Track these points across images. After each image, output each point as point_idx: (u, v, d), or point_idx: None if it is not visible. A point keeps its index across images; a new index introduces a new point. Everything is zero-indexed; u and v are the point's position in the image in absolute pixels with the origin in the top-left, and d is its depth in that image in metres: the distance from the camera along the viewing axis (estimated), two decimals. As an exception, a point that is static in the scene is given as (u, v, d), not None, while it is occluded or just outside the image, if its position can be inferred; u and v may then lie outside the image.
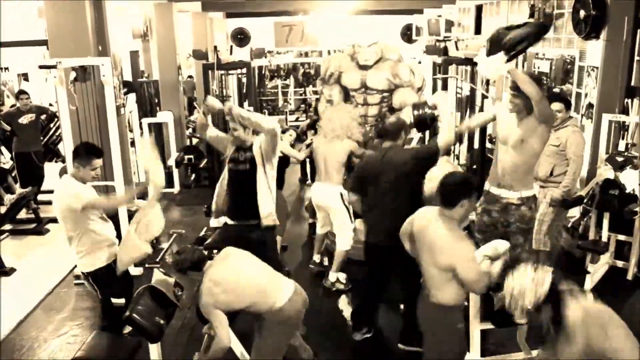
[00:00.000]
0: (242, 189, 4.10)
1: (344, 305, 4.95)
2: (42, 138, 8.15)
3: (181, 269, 3.30)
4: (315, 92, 14.31)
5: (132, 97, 8.59)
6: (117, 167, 4.91)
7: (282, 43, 12.65)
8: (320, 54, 14.25)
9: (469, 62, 7.43)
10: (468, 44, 9.50)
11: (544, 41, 7.22)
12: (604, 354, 2.36)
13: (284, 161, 5.57)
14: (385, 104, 5.32)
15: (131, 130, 8.17)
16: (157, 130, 8.89)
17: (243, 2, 11.62)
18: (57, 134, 8.48)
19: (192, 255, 3.36)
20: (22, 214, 7.06)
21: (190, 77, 12.55)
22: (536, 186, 4.90)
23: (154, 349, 3.63)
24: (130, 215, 4.96)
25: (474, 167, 6.78)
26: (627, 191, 5.22)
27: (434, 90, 7.96)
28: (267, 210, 4.07)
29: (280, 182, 5.17)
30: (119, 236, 4.13)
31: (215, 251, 4.03)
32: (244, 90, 10.65)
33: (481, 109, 6.60)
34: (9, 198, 6.65)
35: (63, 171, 6.82)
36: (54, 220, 4.22)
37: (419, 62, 9.81)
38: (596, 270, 4.91)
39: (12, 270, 5.74)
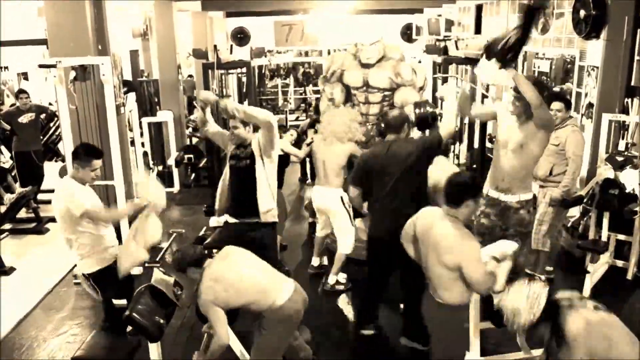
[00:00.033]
0: (243, 186, 4.10)
1: (344, 305, 4.95)
2: (41, 137, 8.15)
3: (181, 266, 3.30)
4: (316, 92, 14.32)
5: (132, 96, 8.60)
6: (117, 167, 4.91)
7: (282, 42, 12.64)
8: (320, 54, 14.24)
9: (469, 61, 7.42)
10: (468, 43, 9.49)
11: (544, 41, 7.23)
12: None
13: (284, 160, 5.56)
14: (387, 102, 5.32)
15: (131, 130, 8.16)
16: (157, 129, 8.89)
17: (243, 2, 11.61)
18: (57, 133, 8.48)
19: (192, 252, 3.37)
20: (22, 213, 7.06)
21: (190, 76, 12.55)
22: (535, 186, 4.90)
23: (154, 348, 3.63)
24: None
25: (474, 166, 6.77)
26: (627, 191, 5.21)
27: (434, 89, 7.95)
28: (267, 206, 4.06)
29: (279, 182, 5.18)
30: (119, 236, 4.13)
31: (215, 250, 4.04)
32: (244, 90, 10.65)
33: (481, 109, 6.62)
34: (8, 197, 6.65)
35: (63, 170, 6.82)
36: (53, 219, 4.23)
37: (419, 62, 9.80)
38: (596, 270, 4.91)
39: (12, 269, 5.74)
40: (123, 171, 5.10)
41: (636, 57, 5.71)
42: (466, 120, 7.78)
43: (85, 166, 3.77)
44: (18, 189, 7.12)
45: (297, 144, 6.16)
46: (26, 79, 11.60)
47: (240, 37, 11.40)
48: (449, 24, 10.01)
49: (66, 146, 4.88)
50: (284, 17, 12.85)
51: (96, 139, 5.27)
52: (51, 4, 5.41)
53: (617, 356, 2.34)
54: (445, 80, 7.84)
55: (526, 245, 4.16)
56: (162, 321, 3.31)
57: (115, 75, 5.58)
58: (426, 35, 10.59)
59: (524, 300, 2.54)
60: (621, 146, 5.86)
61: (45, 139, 8.41)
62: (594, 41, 5.98)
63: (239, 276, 3.32)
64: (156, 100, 10.01)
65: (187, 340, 4.35)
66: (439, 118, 5.00)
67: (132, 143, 7.90)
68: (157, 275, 3.48)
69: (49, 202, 4.77)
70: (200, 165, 8.60)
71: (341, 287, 5.15)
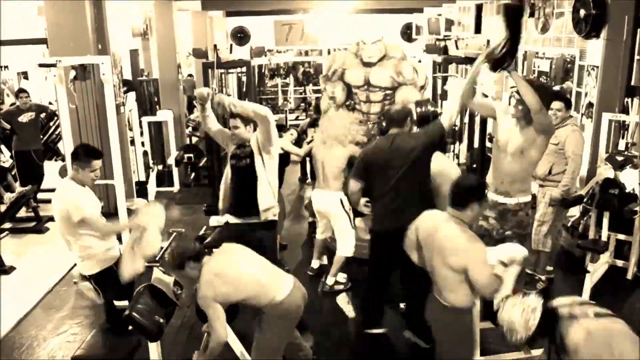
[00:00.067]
0: (243, 185, 4.09)
1: (344, 304, 4.95)
2: (41, 136, 8.15)
3: (180, 260, 3.27)
4: (315, 91, 14.31)
5: (131, 95, 8.59)
6: (116, 166, 4.91)
7: (282, 42, 12.62)
8: (320, 53, 14.23)
9: (469, 61, 7.42)
10: (468, 43, 9.50)
11: (544, 40, 7.23)
12: None
13: (284, 160, 5.56)
14: (388, 101, 5.31)
15: (131, 129, 8.17)
16: (157, 128, 8.89)
17: (243, 1, 11.62)
18: (56, 132, 8.49)
19: (191, 246, 3.36)
20: (22, 213, 7.05)
21: (190, 75, 12.55)
22: (535, 185, 4.91)
23: (154, 348, 3.63)
24: (130, 214, 4.96)
25: (474, 166, 6.77)
26: (627, 190, 5.21)
27: (434, 89, 7.96)
28: (267, 203, 4.05)
29: (279, 181, 5.18)
30: (119, 237, 4.12)
31: (214, 250, 4.03)
32: (244, 89, 10.64)
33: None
34: (8, 196, 6.65)
35: (63, 170, 6.83)
36: (53, 218, 4.23)
37: (419, 61, 9.80)
38: (596, 270, 4.91)
39: (12, 268, 5.74)
40: (123, 170, 5.10)
41: (636, 57, 5.71)
42: (466, 120, 7.78)
43: (85, 167, 3.75)
44: (18, 188, 7.12)
45: (298, 143, 6.17)
46: (26, 78, 11.60)
47: (240, 36, 11.39)
48: (449, 23, 10.01)
49: (66, 145, 4.88)
50: (284, 17, 12.84)
51: (96, 138, 5.28)
52: (51, 4, 5.42)
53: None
54: (445, 79, 7.84)
55: (525, 246, 4.16)
56: (162, 320, 3.31)
57: (115, 74, 5.59)
58: (426, 35, 10.58)
59: (519, 314, 2.53)
60: (621, 146, 5.86)
61: (45, 138, 8.42)
62: (594, 41, 5.98)
63: (238, 271, 3.32)
64: (156, 99, 10.02)
65: (187, 339, 4.35)
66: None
67: (132, 142, 7.91)
68: (157, 274, 3.48)
69: (49, 201, 4.76)
70: (200, 164, 8.60)
71: (341, 287, 5.15)
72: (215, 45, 7.80)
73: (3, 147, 8.39)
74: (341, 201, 4.95)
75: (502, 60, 3.59)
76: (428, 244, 3.13)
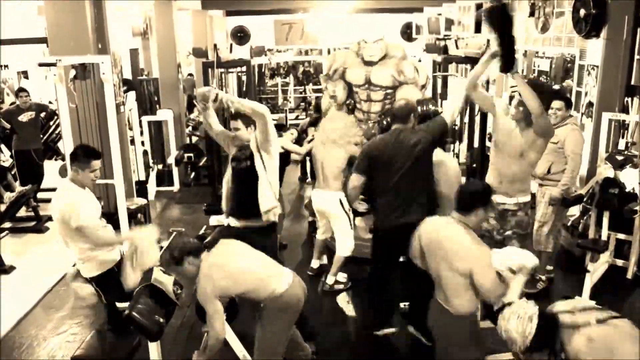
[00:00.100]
0: (244, 187, 4.06)
1: (344, 304, 4.95)
2: (41, 136, 8.15)
3: (180, 255, 3.26)
4: (315, 91, 14.30)
5: (131, 95, 8.59)
6: (116, 166, 4.90)
7: (282, 41, 12.59)
8: (320, 52, 14.21)
9: (469, 60, 7.42)
10: (468, 42, 9.48)
11: (544, 40, 7.22)
12: None
13: (284, 159, 5.56)
14: (389, 100, 5.31)
15: (131, 129, 8.16)
16: (157, 128, 8.89)
17: (243, 0, 11.60)
18: (56, 131, 8.49)
19: (190, 241, 3.37)
20: (22, 212, 7.05)
21: (190, 75, 12.54)
22: (534, 184, 4.91)
23: (154, 348, 3.64)
24: (130, 214, 4.96)
25: (474, 165, 6.77)
26: (626, 190, 5.21)
27: (434, 88, 7.95)
28: (268, 204, 4.01)
29: (279, 180, 5.18)
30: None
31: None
32: (244, 89, 10.64)
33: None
34: (8, 196, 6.65)
35: (63, 169, 6.82)
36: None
37: (419, 60, 9.79)
38: (596, 269, 4.91)
39: (12, 268, 5.74)
40: (123, 170, 5.09)
41: (636, 56, 5.71)
42: (466, 120, 7.78)
43: (84, 167, 3.73)
44: (18, 187, 7.12)
45: (298, 142, 6.17)
46: (26, 77, 11.59)
47: (240, 35, 11.37)
48: (449, 23, 9.98)
49: (66, 145, 4.87)
50: (284, 16, 12.82)
51: (96, 138, 5.27)
52: (51, 3, 5.41)
53: None
54: (445, 79, 7.84)
55: (526, 246, 4.16)
56: (161, 320, 3.31)
57: (115, 74, 5.58)
58: (426, 34, 10.56)
59: (515, 323, 2.52)
60: (621, 145, 5.86)
61: (45, 137, 8.42)
62: (594, 40, 5.98)
63: (237, 264, 3.34)
64: (156, 99, 10.02)
65: (187, 339, 4.36)
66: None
67: (132, 142, 7.90)
68: (157, 274, 3.48)
69: (48, 200, 4.77)
70: (200, 164, 8.60)
71: (341, 287, 5.15)
72: (215, 45, 7.79)
73: (3, 147, 8.39)
74: (341, 201, 4.95)
75: (511, 62, 3.60)
76: (432, 250, 3.12)
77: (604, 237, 5.14)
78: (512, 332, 2.52)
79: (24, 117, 7.45)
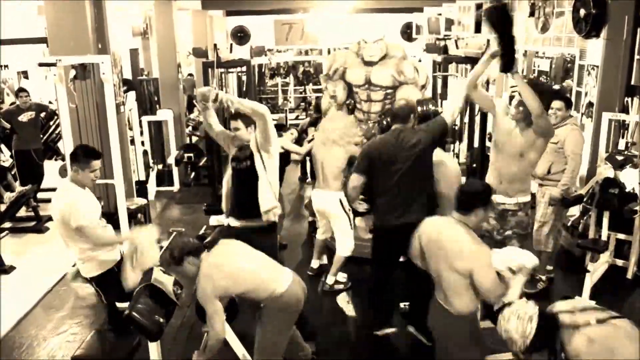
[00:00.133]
0: (244, 187, 4.06)
1: (344, 304, 4.95)
2: (41, 136, 8.15)
3: (180, 254, 3.26)
4: (315, 91, 14.30)
5: (131, 95, 8.59)
6: (116, 166, 4.90)
7: (282, 41, 12.58)
8: (320, 52, 14.21)
9: (469, 60, 7.42)
10: (468, 42, 9.48)
11: (544, 40, 7.22)
12: None
13: (284, 159, 5.56)
14: (389, 100, 5.32)
15: (131, 129, 8.16)
16: (157, 128, 8.89)
17: (243, 0, 11.61)
18: (56, 131, 8.48)
19: (190, 241, 3.37)
20: (22, 212, 7.05)
21: (190, 75, 12.54)
22: (534, 184, 4.91)
23: (154, 347, 3.64)
24: (130, 214, 4.96)
25: (474, 165, 6.76)
26: (627, 190, 5.21)
27: (434, 88, 7.95)
28: (268, 204, 4.00)
29: (279, 180, 5.18)
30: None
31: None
32: (244, 89, 10.64)
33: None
34: (8, 196, 6.65)
35: (63, 169, 6.82)
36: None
37: (419, 60, 9.79)
38: (596, 269, 4.91)
39: (12, 268, 5.74)
40: (123, 170, 5.09)
41: (636, 56, 5.71)
42: (466, 120, 7.78)
43: (84, 168, 3.73)
44: (18, 187, 7.12)
45: (298, 142, 6.17)
46: (26, 77, 11.59)
47: (240, 35, 11.36)
48: (449, 23, 9.99)
49: (66, 145, 4.87)
50: (284, 16, 12.82)
51: (96, 138, 5.27)
52: (51, 3, 5.41)
53: None
54: (445, 79, 7.84)
55: (525, 247, 4.16)
56: (161, 320, 3.31)
57: (115, 74, 5.58)
58: (426, 34, 10.57)
59: (515, 323, 2.51)
60: (621, 145, 5.86)
61: (45, 137, 8.41)
62: (594, 40, 5.97)
63: (237, 264, 3.34)
64: (156, 99, 10.01)
65: (186, 339, 4.36)
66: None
67: (132, 142, 7.90)
68: (157, 274, 3.48)
69: (49, 200, 4.77)
70: (200, 164, 8.60)
71: (341, 286, 5.15)
72: (215, 45, 7.79)
73: (3, 147, 8.39)
74: (341, 201, 4.95)
75: (511, 62, 3.61)
76: (433, 250, 3.11)
77: (604, 237, 5.14)
78: (512, 332, 2.51)
79: (24, 117, 7.45)
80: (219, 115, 4.42)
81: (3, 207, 6.61)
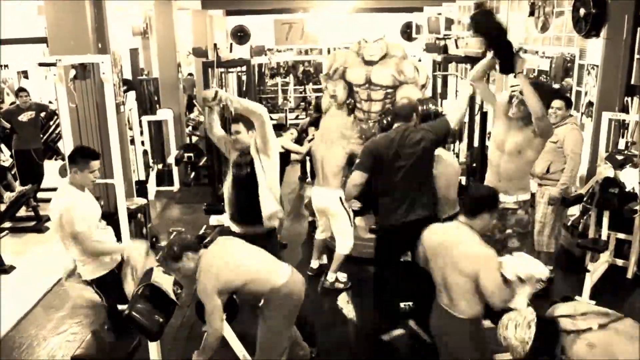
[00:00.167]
0: (245, 193, 4.02)
1: (344, 304, 4.95)
2: (41, 136, 8.15)
3: (180, 249, 3.27)
4: (315, 90, 14.30)
5: (131, 94, 8.59)
6: (116, 165, 4.90)
7: (282, 41, 12.61)
8: (320, 52, 14.22)
9: (469, 60, 7.42)
10: (468, 42, 9.47)
11: (544, 39, 7.22)
12: None
13: (284, 159, 5.56)
14: (389, 100, 5.31)
15: (131, 128, 8.16)
16: (157, 128, 8.89)
17: (243, 0, 11.60)
18: (56, 131, 8.49)
19: (188, 237, 3.42)
20: (22, 212, 7.06)
21: (190, 74, 12.54)
22: (533, 184, 4.90)
23: (153, 347, 3.64)
24: (130, 214, 4.96)
25: (474, 165, 6.76)
26: (626, 189, 5.21)
27: (434, 88, 7.95)
28: (269, 209, 4.00)
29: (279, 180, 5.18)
30: (119, 238, 4.10)
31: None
32: (244, 88, 10.64)
33: (481, 107, 6.59)
34: (8, 196, 6.65)
35: (63, 169, 6.82)
36: (52, 218, 4.25)
37: (419, 60, 9.79)
38: (596, 269, 4.91)
39: (12, 268, 5.74)
40: (123, 170, 5.08)
41: (636, 56, 5.70)
42: (466, 119, 7.78)
43: (83, 169, 3.70)
44: (18, 187, 7.12)
45: (298, 142, 6.17)
46: (26, 77, 11.59)
47: (240, 35, 11.38)
48: (449, 22, 10.01)
49: (66, 145, 4.87)
50: (284, 16, 12.83)
51: (96, 138, 5.27)
52: (51, 3, 5.40)
53: None
54: (445, 78, 7.84)
55: (526, 245, 4.16)
56: (161, 320, 3.31)
57: (115, 73, 5.57)
58: (426, 34, 10.58)
59: (514, 330, 2.51)
60: (621, 145, 5.85)
61: (45, 137, 8.42)
62: (593, 40, 5.97)
63: (235, 256, 3.37)
64: (156, 98, 10.01)
65: (186, 339, 4.36)
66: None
67: (132, 142, 7.90)
68: (157, 274, 3.48)
69: (49, 200, 4.75)
70: (200, 163, 8.60)
71: (341, 286, 5.15)
72: (215, 44, 7.78)
73: (3, 146, 8.39)
74: (341, 199, 4.95)
75: (508, 64, 3.61)
76: (439, 254, 3.10)
77: (604, 237, 5.14)
78: (511, 339, 2.51)
79: (24, 117, 7.45)
80: (220, 118, 4.41)
81: (3, 207, 6.60)
